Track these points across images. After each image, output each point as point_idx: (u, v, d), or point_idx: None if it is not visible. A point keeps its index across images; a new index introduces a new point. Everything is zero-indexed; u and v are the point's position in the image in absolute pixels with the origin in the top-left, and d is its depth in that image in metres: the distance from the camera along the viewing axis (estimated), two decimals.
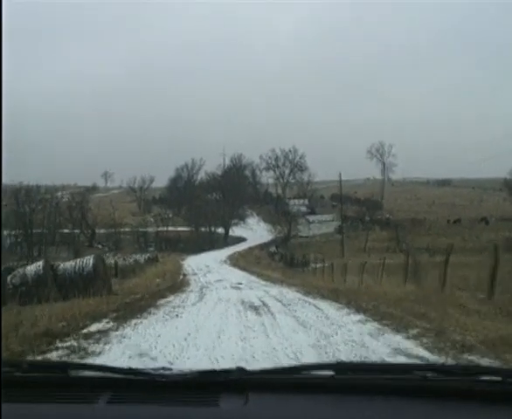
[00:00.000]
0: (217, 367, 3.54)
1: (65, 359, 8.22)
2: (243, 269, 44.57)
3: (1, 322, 9.05)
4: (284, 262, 57.22)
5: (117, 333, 10.85)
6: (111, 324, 12.04)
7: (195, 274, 40.00)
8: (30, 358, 7.88)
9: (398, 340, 9.21)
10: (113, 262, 41.58)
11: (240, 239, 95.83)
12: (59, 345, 9.49)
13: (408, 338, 9.31)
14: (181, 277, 37.44)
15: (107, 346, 9.38)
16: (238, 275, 37.69)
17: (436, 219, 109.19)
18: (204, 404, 2.06)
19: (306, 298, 17.87)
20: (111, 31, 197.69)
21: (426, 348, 8.33)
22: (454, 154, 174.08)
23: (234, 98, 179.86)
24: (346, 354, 8.12)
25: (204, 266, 48.25)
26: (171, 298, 19.80)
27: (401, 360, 7.68)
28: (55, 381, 2.30)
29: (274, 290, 22.78)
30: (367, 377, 2.31)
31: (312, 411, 2.03)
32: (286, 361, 7.71)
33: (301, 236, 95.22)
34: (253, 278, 34.45)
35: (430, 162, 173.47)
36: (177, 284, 30.47)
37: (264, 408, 2.06)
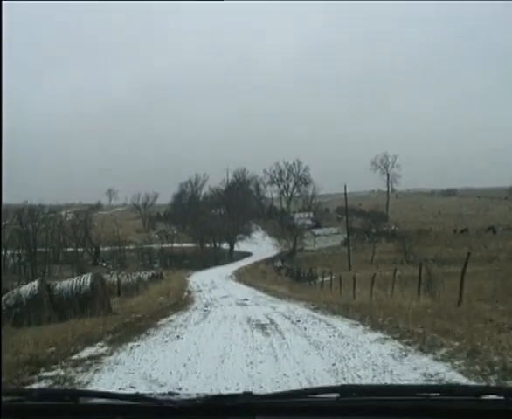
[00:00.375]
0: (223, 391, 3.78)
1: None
2: (249, 284, 43.44)
3: (1, 336, 9.17)
4: (290, 276, 56.07)
5: (110, 358, 9.80)
6: (105, 348, 10.97)
7: (200, 290, 38.91)
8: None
9: (426, 362, 8.06)
10: (116, 280, 40.51)
11: (246, 254, 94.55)
12: (44, 374, 8.44)
13: (437, 359, 8.14)
14: (185, 294, 36.38)
15: (96, 375, 8.33)
16: (243, 291, 36.58)
17: (442, 229, 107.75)
18: None
19: (315, 315, 16.78)
20: (115, 51, 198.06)
21: (461, 372, 7.19)
22: (458, 164, 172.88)
23: (237, 114, 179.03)
24: (368, 382, 7.01)
25: (210, 282, 47.13)
26: (173, 316, 18.75)
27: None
28: (65, 408, 2.30)
29: (282, 306, 21.67)
30: (372, 399, 2.31)
31: None
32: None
33: (307, 250, 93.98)
34: (260, 293, 33.35)
35: (434, 173, 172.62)
36: (181, 301, 29.43)
37: None
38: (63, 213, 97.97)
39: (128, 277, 42.49)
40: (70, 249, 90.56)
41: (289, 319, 15.77)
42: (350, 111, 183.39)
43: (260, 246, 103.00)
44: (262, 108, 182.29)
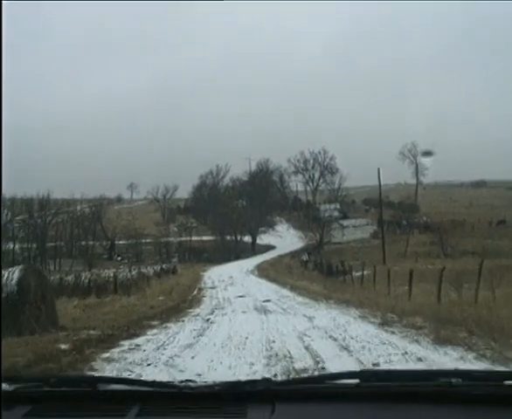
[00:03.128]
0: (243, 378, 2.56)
1: None
2: (272, 280, 36.04)
3: (1, 327, 8.54)
4: (319, 270, 48.44)
5: None
6: None
7: (213, 287, 32.14)
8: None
9: None
10: (126, 274, 33.46)
11: (269, 247, 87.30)
12: None
13: None
14: (194, 292, 29.50)
15: None
16: (265, 288, 29.37)
17: (477, 221, 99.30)
18: (231, 415, 2.06)
19: (399, 344, 9.08)
20: (136, 50, 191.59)
21: None
22: (488, 155, 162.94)
23: (262, 106, 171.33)
24: None
25: (227, 278, 40.00)
26: (153, 332, 11.90)
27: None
28: (83, 394, 2.27)
29: (321, 315, 14.43)
30: (392, 384, 2.25)
31: None
32: None
33: (335, 243, 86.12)
34: (286, 291, 26.09)
35: (462, 164, 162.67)
36: (184, 303, 22.85)
37: (291, 418, 2.07)
38: (78, 207, 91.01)
39: (130, 271, 35.26)
40: (84, 243, 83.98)
41: (349, 350, 8.24)
42: (376, 102, 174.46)
43: (284, 239, 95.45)
44: (288, 102, 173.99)
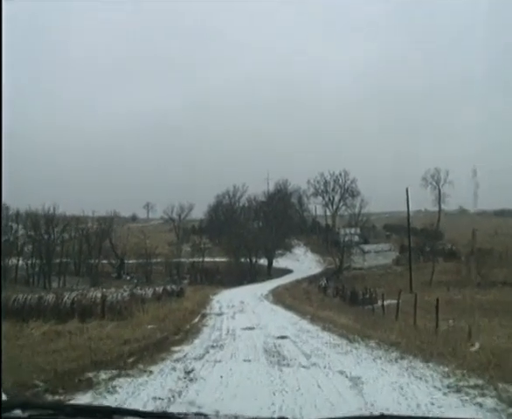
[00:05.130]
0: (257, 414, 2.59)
1: None
2: (289, 307, 30.57)
3: (1, 333, 8.95)
4: (341, 297, 42.87)
5: None
6: None
7: (220, 314, 27.18)
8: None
9: None
10: (116, 296, 28.25)
11: (285, 271, 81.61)
12: None
13: None
14: (195, 319, 24.48)
15: None
16: (280, 318, 24.10)
17: (505, 250, 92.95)
18: None
19: None
20: (156, 68, 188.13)
21: None
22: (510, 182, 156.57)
23: (283, 127, 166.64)
24: None
25: (238, 303, 34.75)
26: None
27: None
28: None
29: (370, 371, 8.82)
30: None
31: None
32: None
33: (355, 268, 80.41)
34: (305, 323, 20.71)
35: (484, 192, 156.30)
36: (177, 334, 17.98)
37: None
38: (89, 224, 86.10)
39: (124, 291, 30.01)
40: (92, 261, 79.23)
41: None
42: (397, 128, 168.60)
43: (302, 263, 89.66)
44: (309, 124, 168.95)
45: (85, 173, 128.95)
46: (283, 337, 15.46)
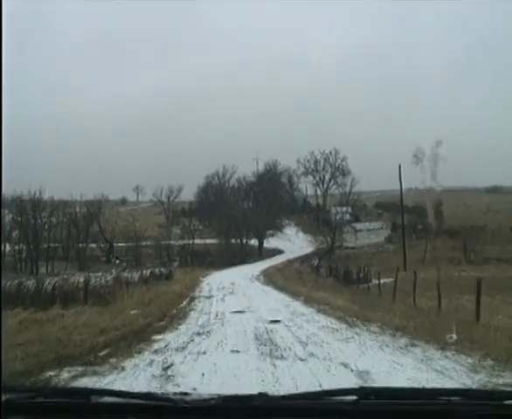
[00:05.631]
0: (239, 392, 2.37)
1: None
2: (281, 288, 29.24)
3: (1, 326, 8.52)
4: (334, 277, 41.56)
5: None
6: None
7: (209, 297, 25.81)
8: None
9: None
10: (100, 280, 26.84)
11: (277, 251, 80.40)
12: None
13: None
14: (183, 303, 23.25)
15: None
16: (272, 299, 22.84)
17: (498, 227, 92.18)
18: None
19: None
20: (144, 53, 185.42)
21: None
22: (501, 159, 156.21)
23: (272, 107, 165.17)
24: None
25: (229, 284, 33.45)
26: None
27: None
28: (77, 407, 2.20)
29: (379, 363, 7.39)
30: (390, 402, 2.16)
31: None
32: None
33: (347, 247, 79.21)
34: (299, 305, 19.46)
35: (475, 170, 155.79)
36: (162, 320, 16.61)
37: None
38: (77, 208, 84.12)
39: (110, 274, 28.62)
40: (81, 245, 77.51)
41: None
42: (387, 107, 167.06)
43: (293, 243, 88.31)
44: (299, 104, 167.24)
45: (73, 157, 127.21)
46: (276, 321, 14.14)
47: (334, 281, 39.08)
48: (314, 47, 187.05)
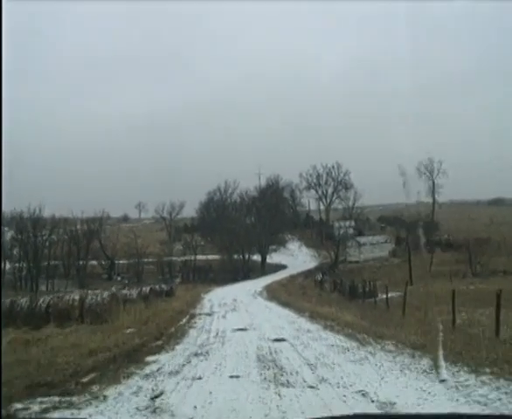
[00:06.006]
0: None
1: None
2: (284, 304, 28.09)
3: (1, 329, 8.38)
4: (339, 292, 40.36)
5: None
6: None
7: (210, 314, 24.69)
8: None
9: None
10: (96, 298, 25.66)
11: (280, 266, 79.20)
12: None
13: None
14: (182, 320, 22.24)
15: None
16: (276, 316, 21.68)
17: (503, 239, 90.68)
18: None
19: None
20: (143, 69, 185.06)
21: None
22: (503, 172, 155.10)
23: (274, 122, 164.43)
24: None
25: (231, 301, 32.34)
26: None
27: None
28: None
29: (411, 400, 6.28)
30: None
31: None
32: None
33: (351, 261, 77.99)
34: (304, 322, 18.33)
35: (477, 182, 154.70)
36: (158, 340, 15.44)
37: None
38: (78, 226, 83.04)
39: (101, 294, 27.38)
40: (82, 262, 76.56)
41: None
42: (388, 121, 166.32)
43: (296, 258, 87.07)
44: (300, 118, 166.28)
45: (74, 174, 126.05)
46: (280, 340, 13.03)
47: (339, 296, 37.90)
48: (316, 62, 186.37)
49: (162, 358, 11.17)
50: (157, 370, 9.53)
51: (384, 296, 31.37)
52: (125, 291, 30.09)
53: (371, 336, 12.30)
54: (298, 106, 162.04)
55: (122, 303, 25.74)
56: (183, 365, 10.00)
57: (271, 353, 10.75)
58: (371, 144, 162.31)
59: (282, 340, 13.10)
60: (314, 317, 19.62)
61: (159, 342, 14.59)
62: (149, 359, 11.07)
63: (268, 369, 8.93)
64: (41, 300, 23.97)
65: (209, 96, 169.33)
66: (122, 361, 10.62)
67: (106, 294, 25.05)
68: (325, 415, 4.71)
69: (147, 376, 8.86)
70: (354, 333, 13.49)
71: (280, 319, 19.78)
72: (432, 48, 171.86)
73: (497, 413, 3.88)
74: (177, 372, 9.17)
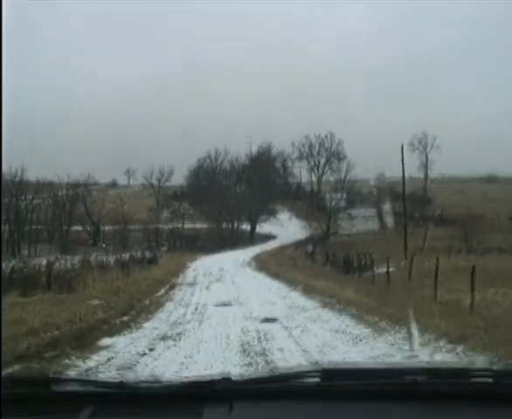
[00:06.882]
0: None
1: None
2: (274, 275, 25.69)
3: (1, 323, 7.11)
4: (332, 264, 37.94)
5: None
6: None
7: (192, 285, 22.62)
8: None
9: None
10: (64, 263, 23.15)
11: (269, 236, 76.65)
12: None
13: None
14: (161, 291, 20.05)
15: None
16: (265, 288, 19.36)
17: (497, 216, 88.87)
18: (187, 415, 1.93)
19: None
20: (138, 36, 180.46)
21: None
22: (497, 149, 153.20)
23: (267, 92, 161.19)
24: None
25: (217, 270, 29.98)
26: None
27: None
28: (37, 396, 2.08)
29: None
30: (354, 383, 2.05)
31: None
32: None
33: (343, 234, 75.48)
34: (297, 297, 16.02)
35: (470, 159, 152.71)
36: (127, 315, 13.34)
37: (248, 418, 1.94)
38: (64, 190, 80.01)
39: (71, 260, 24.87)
40: (66, 227, 74.02)
41: None
42: (382, 95, 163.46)
43: (286, 229, 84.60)
44: (294, 87, 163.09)
45: (61, 140, 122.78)
46: (270, 320, 10.59)
47: (332, 268, 35.48)
48: (310, 32, 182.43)
49: (121, 342, 8.74)
50: (106, 362, 7.03)
51: (380, 270, 29.19)
52: (101, 258, 27.50)
53: (384, 319, 9.81)
54: (292, 75, 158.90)
55: (97, 270, 23.27)
56: (143, 355, 7.57)
57: (259, 341, 8.29)
58: (366, 116, 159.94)
59: (273, 320, 10.68)
60: (308, 291, 17.22)
61: (125, 318, 12.16)
62: (103, 342, 8.63)
63: (255, 367, 6.43)
64: (4, 264, 21.36)
65: (199, 64, 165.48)
66: (66, 346, 8.12)
67: (77, 260, 22.40)
68: None
69: (86, 373, 6.32)
70: (360, 313, 11.01)
71: (270, 293, 17.41)
72: (432, 20, 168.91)
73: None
74: (130, 366, 6.67)
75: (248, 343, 8.17)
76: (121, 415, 1.93)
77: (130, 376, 5.00)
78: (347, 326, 9.57)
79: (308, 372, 2.14)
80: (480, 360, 5.57)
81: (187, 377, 2.16)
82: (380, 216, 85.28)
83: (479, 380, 2.00)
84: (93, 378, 2.38)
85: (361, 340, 8.07)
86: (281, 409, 1.91)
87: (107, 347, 8.16)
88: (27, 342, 8.25)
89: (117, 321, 11.53)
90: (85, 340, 8.76)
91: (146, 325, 10.90)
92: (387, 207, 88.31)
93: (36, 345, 8.13)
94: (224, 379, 2.00)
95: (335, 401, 1.94)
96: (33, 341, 8.33)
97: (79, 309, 13.02)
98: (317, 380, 1.99)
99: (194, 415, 1.85)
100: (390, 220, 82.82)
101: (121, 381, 2.17)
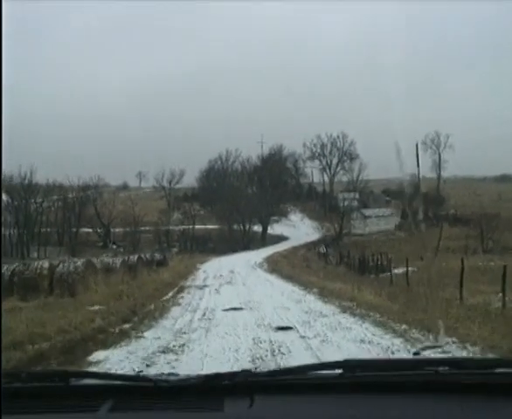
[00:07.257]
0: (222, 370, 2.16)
1: None
2: (288, 278, 24.53)
3: (1, 324, 7.65)
4: (346, 265, 36.74)
5: None
6: None
7: (202, 287, 21.59)
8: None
9: None
10: (68, 266, 21.95)
11: (281, 238, 75.57)
12: None
13: None
14: (168, 294, 19.06)
15: None
16: (279, 292, 18.19)
17: (511, 215, 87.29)
18: (208, 409, 1.88)
19: None
20: (147, 36, 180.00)
21: None
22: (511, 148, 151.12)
23: (278, 93, 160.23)
24: None
25: (227, 272, 28.94)
26: None
27: None
28: (55, 390, 2.05)
29: None
30: (376, 374, 2.05)
31: (319, 411, 1.86)
32: None
33: (356, 234, 74.16)
34: (313, 301, 14.94)
35: (483, 159, 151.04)
36: (128, 322, 12.52)
37: (269, 411, 1.89)
38: (74, 192, 79.21)
39: (88, 261, 23.78)
40: (75, 229, 73.26)
41: None
42: (394, 95, 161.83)
43: (298, 229, 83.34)
44: (305, 87, 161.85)
45: (72, 143, 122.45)
46: (285, 328, 9.46)
47: (346, 269, 34.36)
48: (323, 30, 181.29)
49: (115, 355, 7.63)
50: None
51: (397, 271, 28.03)
52: (107, 260, 26.44)
53: (416, 327, 8.63)
54: (304, 74, 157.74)
55: (102, 273, 22.20)
56: (139, 372, 6.37)
57: (273, 355, 7.15)
58: (379, 116, 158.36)
59: (288, 328, 9.52)
60: (324, 294, 16.05)
61: (126, 326, 11.08)
62: (95, 357, 7.53)
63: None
64: (4, 268, 20.33)
65: (212, 64, 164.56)
66: (52, 361, 7.04)
67: (80, 262, 21.33)
68: None
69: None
70: (385, 319, 9.85)
71: (284, 297, 16.24)
72: (443, 19, 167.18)
73: None
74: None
75: (261, 358, 7.03)
76: (142, 409, 1.87)
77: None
78: (373, 335, 8.40)
79: (331, 364, 2.13)
80: None
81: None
82: (393, 215, 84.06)
83: (502, 370, 1.93)
84: (112, 373, 2.45)
85: (393, 354, 6.92)
86: (302, 401, 1.86)
87: (97, 363, 7.06)
88: (7, 357, 7.18)
89: (116, 330, 10.46)
90: (74, 354, 7.66)
91: (147, 334, 9.81)
92: (399, 207, 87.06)
93: (17, 360, 7.05)
94: (244, 371, 2.00)
95: (357, 393, 1.88)
96: (14, 356, 7.25)
97: (76, 316, 11.99)
98: (339, 371, 1.94)
99: (215, 408, 1.82)
100: (402, 220, 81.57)
101: (140, 375, 2.21)
